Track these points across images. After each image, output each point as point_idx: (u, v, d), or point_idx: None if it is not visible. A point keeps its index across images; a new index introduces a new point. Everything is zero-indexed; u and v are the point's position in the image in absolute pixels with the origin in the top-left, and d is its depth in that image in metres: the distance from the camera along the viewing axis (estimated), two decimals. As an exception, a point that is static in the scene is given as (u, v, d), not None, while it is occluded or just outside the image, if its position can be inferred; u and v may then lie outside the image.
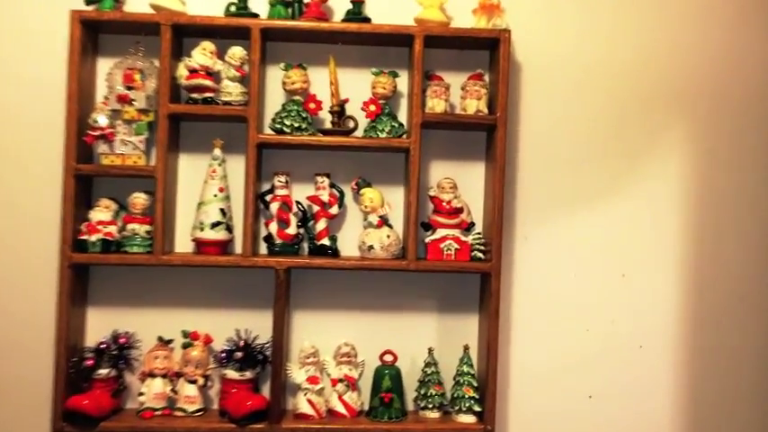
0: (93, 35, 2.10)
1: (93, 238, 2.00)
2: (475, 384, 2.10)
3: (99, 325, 2.13)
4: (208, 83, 2.03)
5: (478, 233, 2.15)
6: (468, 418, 2.08)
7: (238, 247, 2.14)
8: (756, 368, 2.33)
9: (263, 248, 2.13)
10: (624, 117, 2.29)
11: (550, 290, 2.27)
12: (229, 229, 2.10)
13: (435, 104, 2.08)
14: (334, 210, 2.14)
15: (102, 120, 2.04)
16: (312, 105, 2.11)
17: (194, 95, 2.04)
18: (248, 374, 2.06)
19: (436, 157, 2.22)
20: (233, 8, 2.09)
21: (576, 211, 2.28)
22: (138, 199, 2.06)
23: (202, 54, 2.04)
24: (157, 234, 2.01)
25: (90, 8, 2.01)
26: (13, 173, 2.14)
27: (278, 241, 2.09)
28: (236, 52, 2.06)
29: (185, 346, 2.09)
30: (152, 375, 2.06)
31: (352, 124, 2.12)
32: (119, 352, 2.06)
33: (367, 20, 2.10)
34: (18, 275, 2.14)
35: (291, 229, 2.10)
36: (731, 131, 2.31)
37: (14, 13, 2.14)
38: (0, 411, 2.14)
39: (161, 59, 2.01)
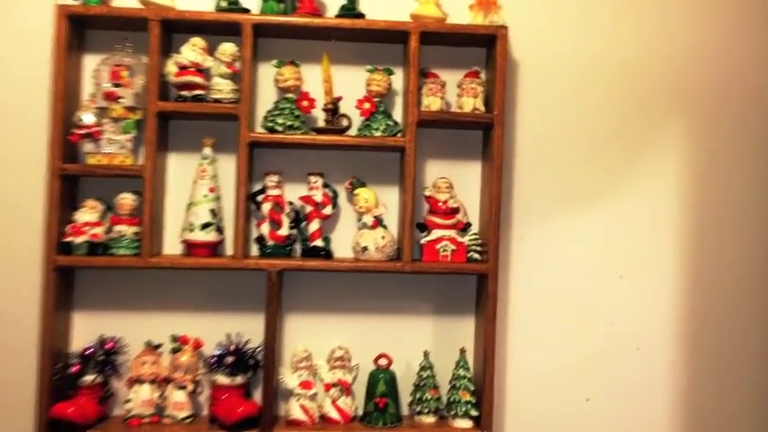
0: (80, 31, 2.08)
1: (79, 239, 1.97)
2: (471, 388, 2.08)
3: (85, 330, 2.10)
4: (198, 80, 2.01)
5: (475, 234, 2.14)
6: (465, 423, 2.06)
7: (229, 249, 2.12)
8: (756, 370, 2.33)
9: (255, 250, 2.12)
10: (623, 115, 2.28)
11: (547, 291, 2.26)
12: (220, 230, 2.08)
13: (431, 102, 2.07)
14: (328, 210, 2.12)
15: (88, 118, 2.01)
16: (305, 103, 2.10)
17: (184, 93, 2.02)
18: (239, 380, 2.04)
19: (432, 156, 2.21)
20: (224, 3, 2.07)
21: (574, 211, 2.27)
22: (126, 199, 2.03)
23: (192, 50, 2.02)
24: (145, 235, 1.98)
25: (76, 3, 1.99)
26: (-5, 173, 2.12)
27: (270, 243, 2.07)
28: (227, 48, 2.04)
29: (174, 351, 2.06)
30: (140, 381, 2.03)
31: (345, 123, 2.10)
32: (105, 357, 2.03)
33: (361, 15, 2.09)
34: (0, 279, 2.10)
35: (284, 231, 2.08)
36: (731, 130, 2.31)
37: (-2, 8, 2.11)
38: (-18, 419, 2.10)
39: (149, 56, 1.98)
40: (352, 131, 2.10)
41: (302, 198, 2.12)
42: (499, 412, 2.19)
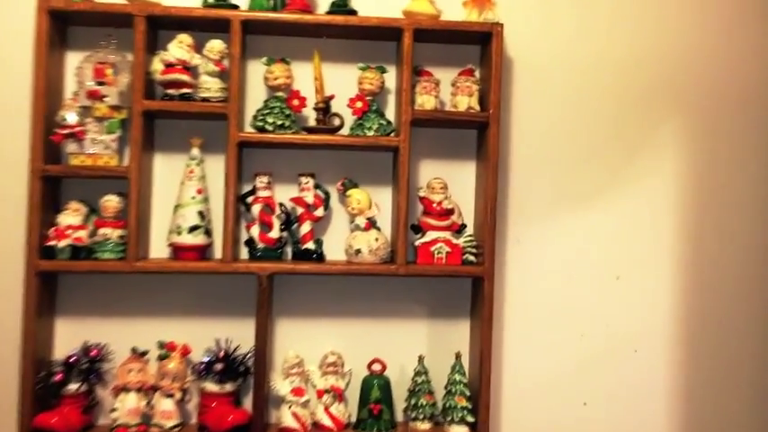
0: (62, 27, 2.05)
1: (62, 243, 1.94)
2: (468, 393, 2.07)
3: (68, 337, 2.07)
4: (185, 78, 1.99)
5: (470, 235, 2.12)
6: (461, 429, 2.03)
7: (218, 253, 2.09)
8: (755, 373, 2.33)
9: (245, 253, 2.10)
10: (620, 114, 2.28)
11: (543, 293, 2.25)
12: (208, 233, 2.06)
13: (425, 101, 2.06)
14: (320, 212, 2.10)
15: (71, 117, 1.98)
16: (296, 102, 2.08)
17: (170, 91, 2.00)
18: (229, 387, 2.02)
19: (425, 156, 2.20)
20: (211, -1, 2.05)
21: (570, 212, 2.26)
22: (111, 202, 2.00)
23: (179, 47, 1.99)
24: (131, 239, 1.95)
25: (58, -2, 1.96)
26: (-26, 174, 2.08)
27: (260, 245, 2.06)
28: (215, 46, 2.01)
29: (161, 358, 2.03)
30: (126, 390, 2.00)
31: (337, 122, 2.09)
32: (90, 365, 2.00)
33: (353, 12, 2.07)
34: (-20, 284, 2.07)
35: (274, 233, 2.06)
36: (729, 130, 2.31)
37: (-24, 4, 2.08)
38: (-39, 431, 2.07)
39: (135, 53, 1.96)
40: (345, 131, 2.09)
41: (293, 199, 2.10)
42: (495, 417, 2.18)
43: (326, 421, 2.02)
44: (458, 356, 2.09)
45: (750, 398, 2.32)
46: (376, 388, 2.06)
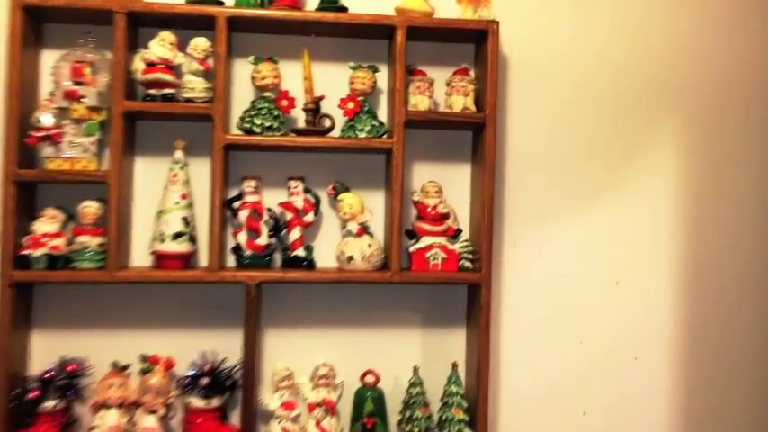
0: (37, 24, 2.00)
1: (38, 252, 1.90)
2: (465, 405, 2.03)
3: (44, 351, 2.02)
4: (168, 77, 1.96)
5: (466, 240, 2.10)
6: (459, 443, 2.01)
7: (203, 261, 2.07)
8: (756, 380, 2.32)
9: (231, 261, 2.08)
10: (619, 114, 2.27)
11: (541, 299, 2.24)
12: (193, 239, 2.03)
13: (419, 101, 2.04)
14: (310, 217, 2.08)
15: (46, 119, 1.94)
16: (284, 103, 2.05)
17: (152, 91, 1.97)
18: (215, 402, 1.98)
19: (419, 158, 2.18)
20: (195, -6, 2.03)
21: (567, 215, 2.25)
22: (89, 208, 1.97)
23: (161, 45, 1.96)
24: (111, 247, 1.91)
25: (33, -7, 1.92)
26: (-57, 180, 2.03)
27: (247, 253, 2.04)
28: (200, 44, 1.99)
29: (144, 372, 1.98)
30: (106, 406, 1.94)
31: (328, 123, 2.06)
32: (67, 381, 1.95)
33: (344, 9, 2.05)
34: (-50, 296, 2.02)
35: (262, 239, 2.04)
36: (729, 129, 2.32)
37: (-56, -1, 2.03)
38: (-70, 452, 2.00)
39: (114, 51, 1.92)
40: (335, 133, 2.06)
41: (282, 204, 2.07)
42: (492, 429, 2.14)
43: (318, 436, 1.99)
44: (454, 366, 2.06)
45: (751, 404, 2.32)
46: (369, 401, 2.03)
